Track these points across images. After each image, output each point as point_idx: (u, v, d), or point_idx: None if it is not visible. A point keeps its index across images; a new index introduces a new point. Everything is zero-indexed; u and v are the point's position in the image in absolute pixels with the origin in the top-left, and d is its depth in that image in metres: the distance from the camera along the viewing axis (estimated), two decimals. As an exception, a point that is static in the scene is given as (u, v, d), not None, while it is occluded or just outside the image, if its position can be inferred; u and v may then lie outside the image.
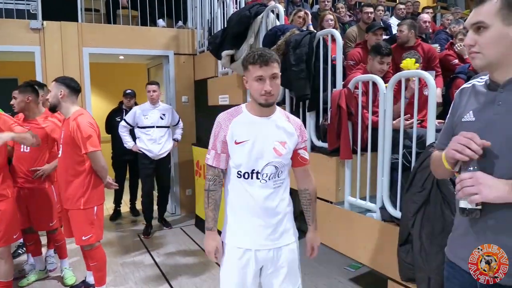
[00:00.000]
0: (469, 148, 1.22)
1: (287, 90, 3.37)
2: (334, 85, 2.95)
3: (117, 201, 5.57)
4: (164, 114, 4.71)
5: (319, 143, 3.06)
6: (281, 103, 3.55)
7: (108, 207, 5.75)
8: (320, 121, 3.06)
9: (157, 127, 4.66)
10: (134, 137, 4.75)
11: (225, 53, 3.89)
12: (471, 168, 1.26)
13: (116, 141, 5.27)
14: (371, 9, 4.86)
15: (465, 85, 1.47)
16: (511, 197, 1.19)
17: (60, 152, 2.94)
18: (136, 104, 5.38)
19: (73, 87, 2.94)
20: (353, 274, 3.74)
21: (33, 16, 4.81)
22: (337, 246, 2.98)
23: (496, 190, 1.20)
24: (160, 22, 5.57)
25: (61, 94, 2.86)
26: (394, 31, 5.55)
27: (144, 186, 4.78)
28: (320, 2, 5.42)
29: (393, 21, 6.15)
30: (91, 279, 3.26)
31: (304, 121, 3.18)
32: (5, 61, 6.04)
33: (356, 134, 2.71)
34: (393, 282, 2.46)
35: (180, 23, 5.69)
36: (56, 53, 4.83)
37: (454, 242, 1.46)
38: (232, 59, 3.98)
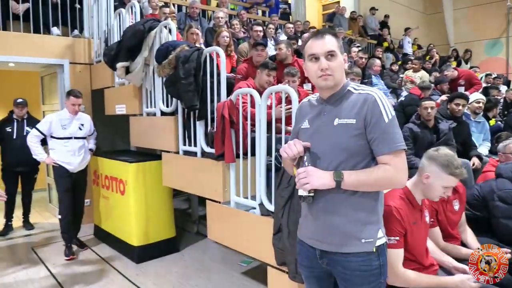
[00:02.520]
0: (291, 150, 1.62)
1: (178, 101, 3.60)
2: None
3: (8, 215, 5.27)
4: (82, 124, 4.46)
5: (207, 149, 3.34)
6: (175, 113, 3.80)
7: (-3, 221, 5.43)
8: (208, 129, 3.35)
9: (75, 138, 4.39)
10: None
11: (120, 64, 4.02)
12: (305, 164, 1.63)
13: (6, 152, 5.06)
14: (260, 28, 5.32)
15: (304, 100, 1.86)
16: (332, 183, 1.58)
17: None
18: (28, 113, 5.19)
19: None
20: (245, 268, 4.08)
21: None
22: (226, 242, 3.29)
23: (321, 179, 1.59)
24: (55, 30, 5.45)
25: None
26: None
27: (64, 201, 4.38)
28: (215, 19, 5.76)
29: (283, 38, 6.74)
30: None
31: (194, 129, 3.48)
32: None
33: (238, 141, 3.05)
34: (271, 267, 2.83)
35: (76, 31, 5.62)
36: None
37: (301, 224, 1.83)
38: (128, 70, 4.11)
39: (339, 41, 1.64)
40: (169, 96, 3.83)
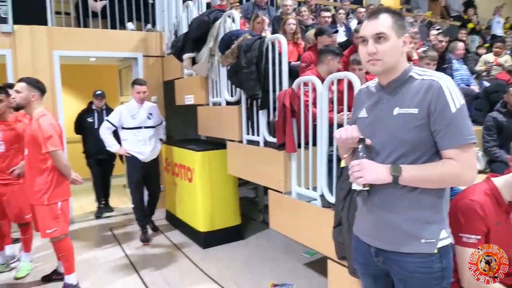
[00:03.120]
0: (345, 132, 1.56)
1: (242, 91, 3.61)
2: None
3: (99, 198, 5.71)
4: (150, 114, 4.51)
5: (269, 138, 3.32)
6: (239, 102, 3.82)
7: (83, 203, 5.93)
8: (270, 118, 3.32)
9: (145, 127, 4.45)
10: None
11: (186, 56, 4.13)
12: (360, 156, 1.53)
13: (88, 141, 5.42)
14: (327, 14, 5.14)
15: (362, 87, 1.74)
16: (388, 178, 1.46)
17: (26, 150, 3.13)
18: (106, 105, 5.55)
19: (44, 91, 3.15)
20: (308, 260, 4.02)
21: (3, 20, 4.92)
22: (287, 232, 3.26)
23: (376, 173, 1.48)
24: (130, 25, 5.75)
25: (33, 97, 3.06)
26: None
27: (135, 193, 4.55)
28: (283, 6, 5.68)
29: (354, 24, 6.47)
30: (61, 269, 3.46)
31: (257, 118, 3.47)
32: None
33: (299, 131, 2.98)
34: (332, 261, 2.75)
35: (149, 26, 5.88)
36: (26, 56, 4.96)
37: (356, 219, 1.74)
38: (194, 61, 4.21)
39: (398, 21, 1.49)
40: (233, 86, 3.86)
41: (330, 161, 2.79)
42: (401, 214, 1.49)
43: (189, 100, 4.78)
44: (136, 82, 4.45)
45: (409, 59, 4.48)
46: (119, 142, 4.48)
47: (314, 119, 2.85)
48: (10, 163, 3.46)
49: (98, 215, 5.62)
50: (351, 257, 2.40)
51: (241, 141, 3.79)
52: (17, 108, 3.09)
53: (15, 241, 4.15)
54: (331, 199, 2.72)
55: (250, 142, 3.67)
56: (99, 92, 5.48)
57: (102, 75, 7.54)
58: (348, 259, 2.45)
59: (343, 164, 1.59)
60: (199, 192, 4.36)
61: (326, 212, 2.76)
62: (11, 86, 3.81)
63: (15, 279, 3.64)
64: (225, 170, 4.19)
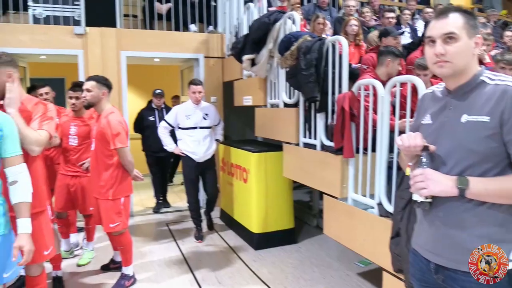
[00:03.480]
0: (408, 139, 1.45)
1: (300, 93, 3.58)
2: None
3: (157, 194, 5.93)
4: (206, 114, 4.51)
5: (327, 142, 3.25)
6: (297, 105, 3.78)
7: (143, 198, 6.19)
8: (328, 122, 3.25)
9: (200, 127, 4.47)
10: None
11: (245, 57, 4.17)
12: (423, 166, 1.44)
13: (149, 139, 5.60)
14: (392, 14, 4.96)
15: (426, 91, 1.64)
16: (454, 191, 1.36)
17: (92, 146, 3.29)
18: (164, 103, 5.73)
19: (111, 88, 3.29)
20: (362, 269, 3.89)
21: (77, 23, 5.28)
22: (341, 240, 3.18)
23: (441, 185, 1.37)
24: (192, 27, 5.91)
25: (103, 95, 3.20)
26: (420, 34, 5.61)
27: (190, 192, 4.63)
28: (345, 7, 5.56)
29: (420, 25, 6.18)
30: (118, 258, 3.64)
31: (314, 121, 3.42)
32: (53, 63, 6.60)
33: (359, 135, 2.88)
34: (387, 273, 2.63)
35: (211, 27, 6.01)
36: (97, 56, 5.28)
37: (415, 231, 1.64)
38: (253, 62, 4.24)
39: (469, 21, 1.37)
40: (291, 88, 3.83)
41: (389, 168, 2.68)
42: (466, 230, 1.38)
43: (248, 101, 4.82)
44: (191, 82, 4.49)
45: (481, 62, 4.21)
46: (177, 142, 4.60)
47: (374, 125, 2.76)
48: (80, 156, 3.63)
49: (156, 210, 5.82)
50: (409, 271, 2.28)
51: (297, 144, 3.75)
52: (88, 106, 3.22)
53: (80, 230, 4.42)
54: (389, 208, 2.60)
55: (306, 145, 3.63)
56: (158, 91, 5.66)
57: (164, 75, 7.83)
58: (406, 273, 2.33)
59: (407, 172, 1.50)
60: (254, 193, 4.37)
61: (383, 222, 2.65)
62: (80, 84, 4.03)
63: (77, 266, 3.87)
64: (281, 172, 4.17)
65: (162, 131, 4.53)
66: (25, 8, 5.24)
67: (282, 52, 3.58)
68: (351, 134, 2.90)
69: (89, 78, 3.26)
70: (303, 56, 3.26)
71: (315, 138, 3.45)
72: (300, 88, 3.38)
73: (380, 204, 2.71)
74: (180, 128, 4.51)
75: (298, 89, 3.51)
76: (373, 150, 2.78)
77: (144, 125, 5.66)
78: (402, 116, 2.72)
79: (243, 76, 5.08)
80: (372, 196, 2.79)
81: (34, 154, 2.31)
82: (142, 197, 6.60)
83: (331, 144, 3.15)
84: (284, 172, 4.08)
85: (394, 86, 2.59)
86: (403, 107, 2.67)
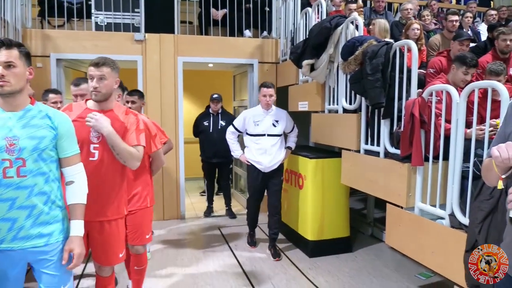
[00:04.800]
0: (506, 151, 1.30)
1: (363, 98, 3.53)
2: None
3: (209, 199, 6.01)
4: (277, 121, 4.29)
5: (392, 150, 3.18)
6: (358, 110, 3.73)
7: (194, 202, 6.32)
8: (394, 129, 3.18)
9: (268, 135, 4.25)
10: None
11: (305, 62, 4.16)
12: None
13: (204, 144, 5.72)
14: (455, 17, 4.79)
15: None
16: None
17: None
18: (222, 108, 5.82)
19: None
20: (423, 282, 3.76)
21: (136, 29, 5.48)
22: (405, 250, 3.08)
23: None
24: (247, 32, 5.99)
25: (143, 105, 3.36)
26: (483, 38, 5.39)
27: (251, 201, 4.51)
28: (402, 11, 5.44)
29: (483, 28, 5.95)
30: None
31: (378, 128, 3.35)
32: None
33: (429, 142, 2.80)
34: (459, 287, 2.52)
35: (265, 33, 6.06)
36: (155, 61, 5.46)
37: (507, 252, 1.54)
38: (312, 68, 4.23)
39: None
40: (352, 93, 3.80)
41: (463, 178, 2.58)
42: None
43: (303, 106, 4.81)
44: (263, 84, 4.29)
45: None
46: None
47: (446, 133, 2.67)
48: None
49: (207, 214, 5.91)
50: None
51: (358, 151, 3.69)
52: None
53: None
54: (464, 219, 2.50)
55: (368, 152, 3.56)
56: (215, 95, 5.74)
57: (217, 80, 7.96)
58: (485, 288, 2.22)
59: (500, 185, 1.41)
60: (310, 200, 4.34)
61: (456, 234, 2.55)
62: (138, 90, 3.80)
63: None
64: (338, 179, 4.11)
65: (230, 136, 4.45)
66: (88, 15, 5.52)
67: (345, 57, 3.55)
68: (421, 141, 2.82)
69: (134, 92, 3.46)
70: (368, 61, 3.21)
71: (378, 145, 3.38)
72: (365, 94, 3.33)
73: (452, 215, 2.61)
74: (247, 134, 4.37)
75: (362, 95, 3.46)
76: (444, 158, 2.69)
77: (199, 130, 5.78)
78: (469, 123, 2.62)
79: (298, 81, 5.08)
80: (442, 207, 2.69)
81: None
82: (193, 201, 6.74)
83: (397, 151, 3.07)
84: (342, 179, 4.02)
85: (472, 92, 2.49)
86: (470, 112, 2.57)
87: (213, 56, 5.70)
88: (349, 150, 3.86)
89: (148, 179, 3.07)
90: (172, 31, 5.57)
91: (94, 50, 5.18)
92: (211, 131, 5.66)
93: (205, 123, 5.73)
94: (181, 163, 5.63)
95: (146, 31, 5.43)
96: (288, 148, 4.50)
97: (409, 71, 3.09)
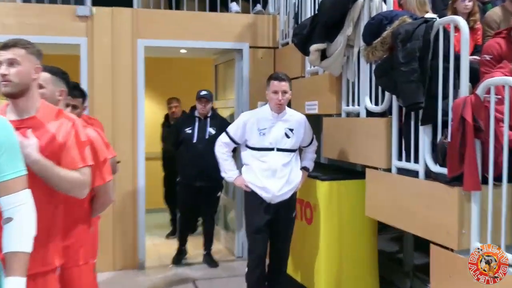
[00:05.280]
0: None
1: (394, 97, 3.54)
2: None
3: (182, 238, 5.97)
4: (291, 130, 4.14)
5: (436, 168, 3.17)
6: (387, 113, 3.73)
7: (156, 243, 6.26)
8: (438, 139, 3.18)
9: (278, 149, 4.10)
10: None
11: (314, 47, 4.17)
12: None
13: (184, 159, 5.64)
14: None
15: None
16: None
17: None
18: (213, 110, 5.76)
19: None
20: None
21: (80, 1, 5.47)
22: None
23: None
24: (234, 6, 6.02)
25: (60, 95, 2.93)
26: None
27: (253, 250, 4.19)
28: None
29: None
30: None
31: (416, 138, 3.35)
32: (47, 55, 6.84)
33: (487, 157, 2.79)
34: None
35: (259, 7, 6.09)
36: (105, 45, 5.46)
37: None
38: (324, 55, 4.24)
39: None
40: (379, 89, 3.81)
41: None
42: None
43: (312, 108, 4.83)
44: (272, 76, 4.16)
45: None
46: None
47: (511, 144, 2.67)
48: None
49: (178, 261, 5.86)
50: None
51: (388, 170, 3.69)
52: None
53: None
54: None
55: (402, 171, 3.57)
56: (204, 92, 5.62)
57: (192, 72, 7.99)
58: None
59: None
60: (323, 239, 4.33)
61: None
62: (79, 88, 3.87)
63: None
64: (361, 210, 4.11)
65: (221, 148, 4.26)
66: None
67: (368, 40, 3.56)
68: (476, 156, 2.81)
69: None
70: (401, 45, 3.22)
71: (416, 162, 3.37)
72: (396, 90, 3.33)
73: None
74: (248, 147, 4.20)
75: (392, 92, 3.46)
76: (510, 180, 2.69)
77: (180, 139, 5.70)
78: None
79: (305, 74, 5.10)
80: (510, 249, 2.67)
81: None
82: (157, 242, 6.68)
83: (443, 170, 3.07)
84: (367, 210, 4.01)
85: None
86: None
87: (186, 39, 5.73)
88: (376, 168, 3.85)
89: (84, 224, 2.79)
90: (130, 4, 5.59)
91: (19, 30, 5.04)
92: (195, 141, 5.56)
93: (188, 130, 5.63)
94: (140, 189, 5.60)
95: (94, 3, 5.43)
96: (304, 169, 4.36)
97: (457, 58, 3.10)
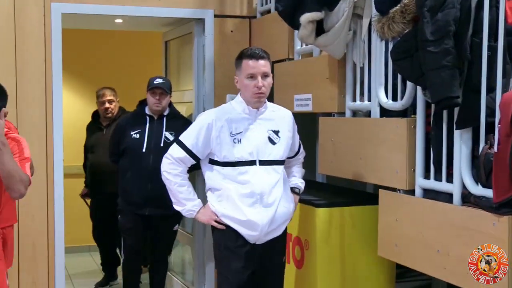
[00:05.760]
0: None
1: (418, 88, 3.58)
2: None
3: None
4: (276, 132, 4.05)
5: (477, 189, 3.20)
6: (409, 112, 3.80)
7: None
8: (481, 148, 3.21)
9: (261, 162, 3.97)
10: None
11: (307, 17, 4.18)
12: None
13: (127, 178, 5.55)
14: None
15: None
16: None
17: None
18: (171, 106, 5.72)
19: None
20: None
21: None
22: None
23: None
24: (192, -43, 6.03)
25: None
26: None
27: None
28: None
29: None
30: None
31: (450, 147, 3.38)
32: None
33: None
34: None
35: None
36: (4, 12, 5.41)
37: None
38: (321, 28, 4.27)
39: None
40: (399, 78, 3.85)
41: None
42: None
43: (304, 104, 4.85)
44: (245, 54, 4.00)
45: None
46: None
47: None
48: None
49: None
50: None
51: (411, 192, 3.74)
52: None
53: None
54: None
55: (429, 193, 3.61)
56: (159, 80, 5.54)
57: (133, 51, 7.97)
58: None
59: None
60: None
61: None
62: None
63: None
64: (373, 248, 4.18)
65: (172, 168, 4.06)
66: None
67: (384, 8, 3.59)
68: (533, 173, 2.85)
69: None
70: (429, 15, 3.25)
71: (449, 181, 3.42)
72: (423, 80, 3.36)
73: None
74: (215, 162, 4.04)
75: (416, 82, 3.49)
76: None
77: (123, 147, 5.61)
78: None
79: (294, 55, 5.12)
80: None
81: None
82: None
83: (487, 192, 3.10)
84: (380, 249, 4.06)
85: None
86: None
87: (123, 3, 5.72)
88: (394, 190, 3.90)
89: None
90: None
91: None
92: (144, 150, 5.48)
93: (134, 135, 5.54)
94: (57, 219, 5.57)
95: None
96: (293, 191, 4.30)
97: (510, 34, 3.14)
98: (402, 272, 5.29)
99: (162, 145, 5.36)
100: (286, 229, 4.19)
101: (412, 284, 6.01)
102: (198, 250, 6.00)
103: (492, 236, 3.06)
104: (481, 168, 3.19)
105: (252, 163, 3.93)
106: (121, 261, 5.85)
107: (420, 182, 3.64)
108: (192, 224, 6.18)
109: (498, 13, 3.15)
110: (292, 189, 4.25)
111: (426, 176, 3.62)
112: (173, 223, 5.71)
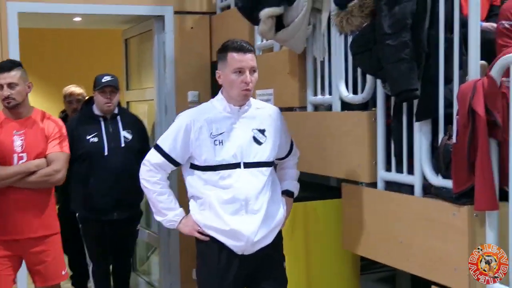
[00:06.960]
0: None
1: (378, 82, 3.61)
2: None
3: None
4: (262, 131, 3.75)
5: (437, 180, 3.25)
6: (370, 105, 3.84)
7: None
8: (440, 139, 3.25)
9: (246, 165, 3.67)
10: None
11: (266, 12, 4.19)
12: None
13: (89, 184, 5.24)
14: None
15: None
16: None
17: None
18: (120, 106, 5.50)
19: None
20: None
21: None
22: None
23: None
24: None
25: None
26: None
27: None
28: None
29: None
30: None
31: (410, 139, 3.42)
32: None
33: (507, 163, 2.87)
34: None
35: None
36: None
37: None
38: (280, 23, 4.29)
39: None
40: (359, 72, 3.88)
41: None
42: None
43: (265, 99, 4.85)
44: (230, 46, 3.60)
45: None
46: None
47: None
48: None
49: None
50: None
51: (373, 184, 3.79)
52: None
53: None
54: None
55: (391, 185, 3.66)
56: (108, 77, 5.24)
57: (91, 51, 7.91)
58: None
59: None
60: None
61: None
62: None
63: None
64: (337, 242, 4.21)
65: (151, 175, 3.75)
66: None
67: (342, 2, 3.62)
68: (491, 162, 2.89)
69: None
70: (386, 8, 3.28)
71: (410, 172, 3.47)
72: (382, 72, 3.40)
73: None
74: (195, 167, 3.74)
75: (375, 75, 3.54)
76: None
77: (79, 153, 5.25)
78: None
79: (256, 50, 5.11)
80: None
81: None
82: None
83: (447, 183, 3.15)
84: (344, 242, 4.10)
85: None
86: None
87: (81, 1, 5.69)
88: (356, 183, 3.94)
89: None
90: None
91: None
92: (106, 153, 5.24)
93: (92, 139, 5.25)
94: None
95: None
96: (287, 193, 3.98)
97: (465, 25, 3.18)
98: (366, 264, 5.32)
99: (123, 145, 5.21)
100: (280, 234, 3.83)
101: (377, 275, 6.07)
102: (164, 250, 5.97)
103: (452, 226, 3.11)
104: (441, 159, 3.24)
105: (235, 166, 3.63)
106: (90, 269, 5.63)
107: (382, 175, 3.69)
108: (158, 224, 6.13)
109: (453, 5, 3.20)
110: (284, 192, 3.93)
111: (388, 168, 3.66)
112: (137, 223, 5.66)
